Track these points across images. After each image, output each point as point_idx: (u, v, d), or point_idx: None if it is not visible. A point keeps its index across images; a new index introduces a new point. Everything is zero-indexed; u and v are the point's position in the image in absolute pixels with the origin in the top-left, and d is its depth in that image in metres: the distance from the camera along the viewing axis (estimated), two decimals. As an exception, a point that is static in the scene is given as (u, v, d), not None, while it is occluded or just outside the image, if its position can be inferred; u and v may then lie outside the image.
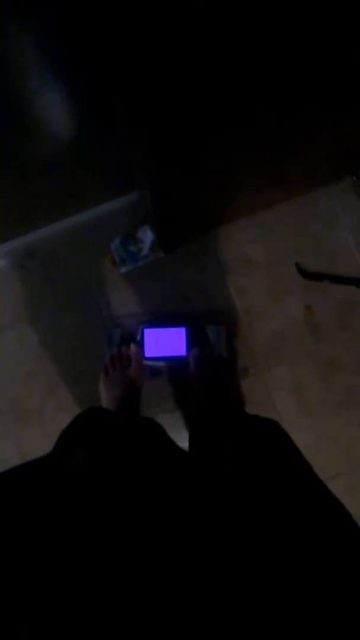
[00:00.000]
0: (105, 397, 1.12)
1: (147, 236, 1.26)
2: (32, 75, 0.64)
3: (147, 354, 1.22)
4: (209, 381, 1.14)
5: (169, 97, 0.54)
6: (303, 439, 1.25)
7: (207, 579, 0.41)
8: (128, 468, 0.66)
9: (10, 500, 0.48)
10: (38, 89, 0.67)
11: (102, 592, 0.40)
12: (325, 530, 0.46)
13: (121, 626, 0.37)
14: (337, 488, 1.24)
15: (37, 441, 1.27)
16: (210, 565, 0.43)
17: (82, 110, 0.78)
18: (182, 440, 0.85)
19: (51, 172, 0.96)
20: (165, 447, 0.82)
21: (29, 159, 0.89)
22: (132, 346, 1.20)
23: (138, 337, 1.22)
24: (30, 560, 0.41)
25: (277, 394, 1.30)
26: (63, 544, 0.44)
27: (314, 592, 0.38)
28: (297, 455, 0.63)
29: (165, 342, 1.23)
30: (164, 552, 0.45)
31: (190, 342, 1.23)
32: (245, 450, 0.68)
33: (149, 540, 0.47)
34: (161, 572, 0.42)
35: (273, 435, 0.73)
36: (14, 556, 0.41)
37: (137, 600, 0.39)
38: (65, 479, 0.57)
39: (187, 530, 0.49)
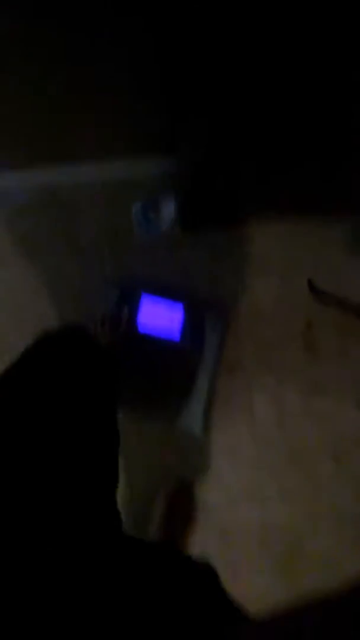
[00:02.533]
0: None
1: (169, 207, 1.24)
2: None
3: (140, 323, 1.18)
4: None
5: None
6: (273, 453, 1.23)
7: None
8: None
9: None
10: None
11: None
12: None
13: None
14: (296, 510, 1.19)
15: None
16: None
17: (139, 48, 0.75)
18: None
19: (98, 99, 0.93)
20: None
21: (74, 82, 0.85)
22: (125, 309, 1.16)
23: (134, 302, 1.18)
24: None
25: (258, 401, 1.25)
26: None
27: None
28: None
29: (160, 317, 1.19)
30: None
31: (186, 327, 1.19)
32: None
33: None
34: None
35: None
36: None
37: None
38: None
39: None
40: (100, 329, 1.12)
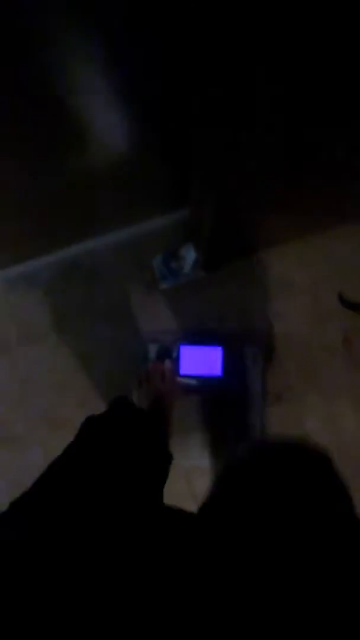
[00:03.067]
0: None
1: (190, 254, 1.27)
2: (94, 89, 0.67)
3: (182, 371, 1.22)
4: None
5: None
6: None
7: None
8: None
9: None
10: (100, 102, 0.69)
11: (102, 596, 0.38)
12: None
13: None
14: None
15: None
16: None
17: (142, 127, 0.80)
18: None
19: (105, 186, 0.98)
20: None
21: (84, 172, 0.91)
22: (167, 362, 1.20)
23: (174, 354, 1.22)
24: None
25: (310, 423, 1.27)
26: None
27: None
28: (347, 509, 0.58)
29: (200, 361, 1.23)
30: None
31: (226, 362, 1.22)
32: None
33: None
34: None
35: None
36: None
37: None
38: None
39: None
40: (146, 385, 1.17)
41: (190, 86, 0.61)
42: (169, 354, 1.24)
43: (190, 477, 1.26)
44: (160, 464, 0.78)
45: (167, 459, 0.81)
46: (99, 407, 1.28)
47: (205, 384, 1.25)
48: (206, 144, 0.70)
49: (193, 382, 1.25)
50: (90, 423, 0.79)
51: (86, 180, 0.95)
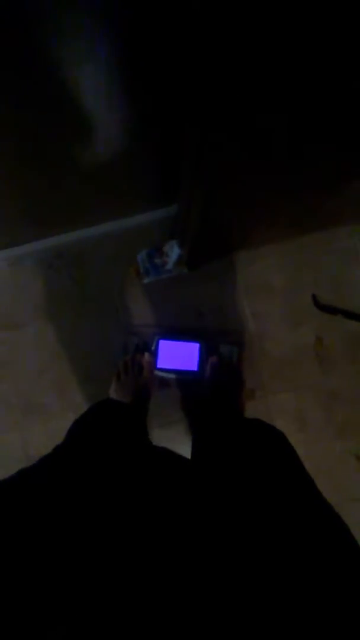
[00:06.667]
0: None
1: (173, 251, 1.30)
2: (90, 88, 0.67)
3: (159, 365, 1.25)
4: (219, 387, 1.19)
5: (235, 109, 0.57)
6: None
7: (207, 581, 0.44)
8: (131, 469, 0.70)
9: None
10: (90, 89, 0.68)
11: (104, 592, 0.41)
12: (324, 539, 0.49)
13: (123, 627, 0.39)
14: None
15: (42, 436, 1.30)
16: (210, 567, 0.45)
17: (134, 120, 0.81)
18: (185, 453, 0.89)
19: (93, 179, 0.99)
20: (167, 455, 0.85)
21: (73, 164, 0.91)
22: (146, 355, 1.23)
23: (152, 347, 1.26)
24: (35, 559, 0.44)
25: (279, 419, 1.33)
26: (66, 545, 0.46)
27: (312, 597, 0.40)
28: (299, 468, 0.68)
29: (178, 356, 1.26)
30: (164, 555, 0.48)
31: (203, 359, 1.27)
32: (247, 458, 0.70)
33: (150, 542, 0.49)
34: (161, 573, 0.45)
35: (277, 445, 0.76)
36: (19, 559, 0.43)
37: (138, 600, 0.41)
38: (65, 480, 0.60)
39: (188, 534, 0.52)
40: (124, 377, 1.20)
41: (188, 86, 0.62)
42: (147, 347, 1.27)
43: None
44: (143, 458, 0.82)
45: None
46: (75, 395, 1.31)
47: (182, 377, 1.29)
48: (198, 143, 0.71)
49: (171, 375, 1.29)
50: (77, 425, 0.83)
51: (74, 170, 0.94)
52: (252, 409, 1.33)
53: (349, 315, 1.36)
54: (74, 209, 1.13)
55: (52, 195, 1.01)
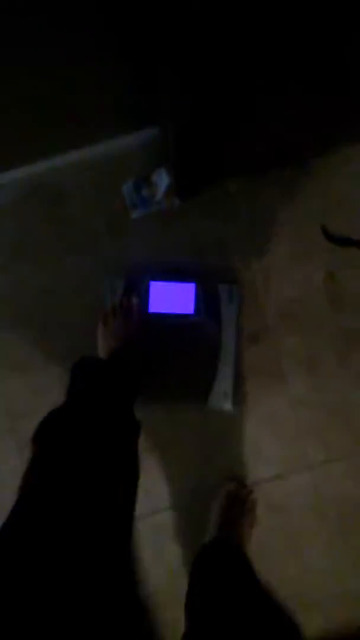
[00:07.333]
0: (101, 347, 1.05)
1: (162, 180, 1.15)
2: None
3: (151, 309, 1.14)
4: (228, 523, 1.11)
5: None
6: (314, 416, 1.19)
7: None
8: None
9: None
10: None
11: None
12: None
13: None
14: (340, 471, 1.16)
15: (23, 390, 1.19)
16: None
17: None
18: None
19: (62, 87, 0.85)
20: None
21: (39, 69, 0.78)
22: (134, 298, 1.11)
23: (142, 289, 1.13)
24: None
25: (287, 365, 1.21)
26: None
27: None
28: None
29: (172, 298, 1.14)
30: None
31: (199, 300, 1.14)
32: None
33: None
34: None
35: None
36: None
37: None
38: None
39: None
40: (112, 321, 1.09)
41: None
42: (137, 289, 1.15)
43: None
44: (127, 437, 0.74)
45: (135, 430, 0.77)
46: (56, 347, 1.20)
47: (176, 322, 1.16)
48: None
49: (164, 319, 1.16)
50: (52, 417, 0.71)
51: (42, 79, 0.82)
52: (259, 354, 1.20)
53: (364, 245, 1.21)
54: (37, 122, 0.98)
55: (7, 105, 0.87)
